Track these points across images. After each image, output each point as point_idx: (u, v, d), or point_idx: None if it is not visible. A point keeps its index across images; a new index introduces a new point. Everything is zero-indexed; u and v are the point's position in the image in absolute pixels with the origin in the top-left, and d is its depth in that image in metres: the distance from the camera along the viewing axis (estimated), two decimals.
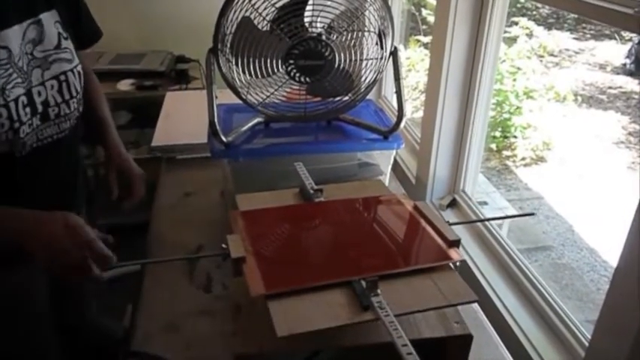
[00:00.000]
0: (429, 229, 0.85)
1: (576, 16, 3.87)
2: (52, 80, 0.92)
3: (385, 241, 0.85)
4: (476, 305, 1.03)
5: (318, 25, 1.05)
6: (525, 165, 4.13)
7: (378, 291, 0.70)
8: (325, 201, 0.94)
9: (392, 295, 0.70)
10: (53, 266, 0.80)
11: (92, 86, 1.12)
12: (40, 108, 0.90)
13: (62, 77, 0.93)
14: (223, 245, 0.78)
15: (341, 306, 0.69)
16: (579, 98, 4.58)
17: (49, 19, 0.91)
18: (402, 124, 1.15)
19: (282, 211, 0.93)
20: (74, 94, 0.96)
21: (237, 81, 1.09)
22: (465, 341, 0.75)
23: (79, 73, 0.97)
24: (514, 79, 4.07)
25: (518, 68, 4.10)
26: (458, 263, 0.78)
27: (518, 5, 4.62)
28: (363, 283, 0.71)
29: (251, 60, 1.04)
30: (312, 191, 0.95)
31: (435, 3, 1.45)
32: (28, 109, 0.87)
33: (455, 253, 0.79)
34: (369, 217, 0.94)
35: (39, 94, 0.89)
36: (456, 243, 0.81)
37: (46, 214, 0.81)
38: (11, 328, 1.05)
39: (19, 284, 1.02)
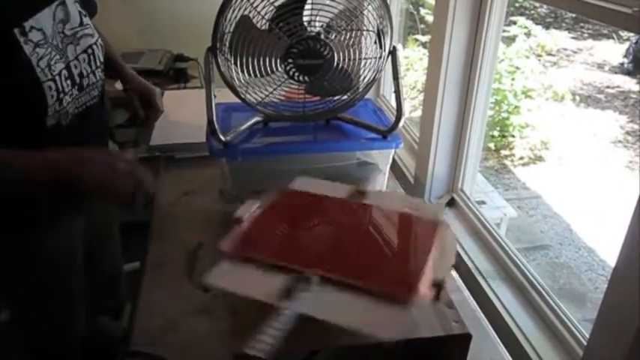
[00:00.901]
0: (429, 257, 0.74)
1: (574, 15, 3.88)
2: (83, 54, 1.01)
3: (367, 252, 0.79)
4: (474, 304, 1.03)
5: (317, 24, 1.04)
6: (523, 164, 4.14)
7: (311, 288, 0.69)
8: (367, 204, 0.89)
9: (330, 300, 0.68)
10: (101, 181, 0.85)
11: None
12: (77, 80, 0.99)
13: (89, 50, 1.02)
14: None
15: (275, 287, 0.69)
16: (577, 97, 4.60)
17: None
18: (401, 124, 1.15)
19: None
20: (99, 64, 1.06)
21: (236, 80, 1.09)
22: (463, 340, 0.75)
23: (100, 45, 1.06)
24: (512, 79, 4.08)
25: (517, 67, 4.11)
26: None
27: (517, 4, 4.63)
28: (313, 278, 0.70)
29: (250, 59, 1.04)
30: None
31: (433, 2, 1.45)
32: (69, 82, 0.96)
33: (425, 291, 0.68)
34: (389, 229, 0.87)
35: (75, 67, 0.99)
36: (438, 285, 0.70)
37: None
38: (49, 286, 1.13)
39: (62, 242, 1.12)
